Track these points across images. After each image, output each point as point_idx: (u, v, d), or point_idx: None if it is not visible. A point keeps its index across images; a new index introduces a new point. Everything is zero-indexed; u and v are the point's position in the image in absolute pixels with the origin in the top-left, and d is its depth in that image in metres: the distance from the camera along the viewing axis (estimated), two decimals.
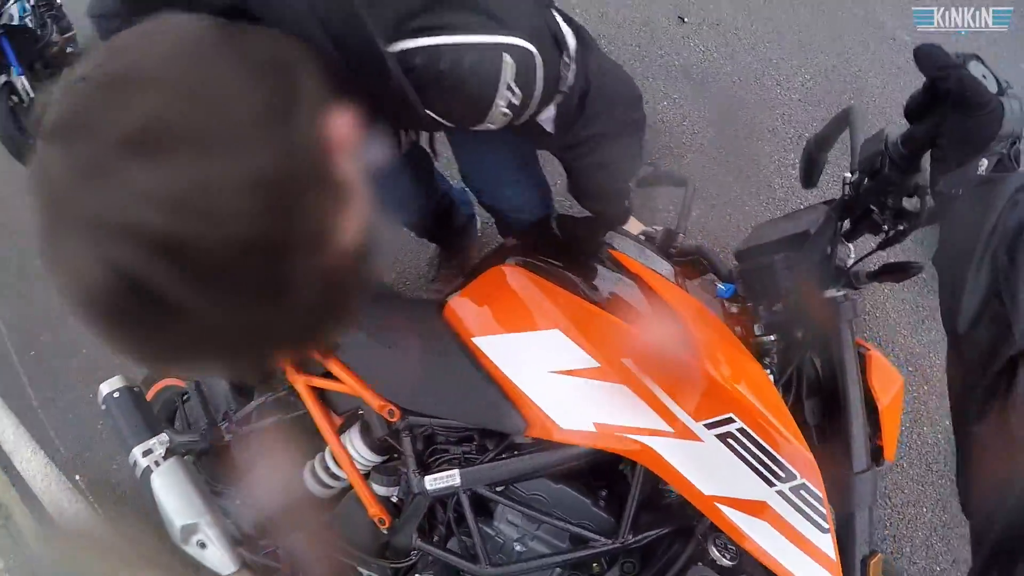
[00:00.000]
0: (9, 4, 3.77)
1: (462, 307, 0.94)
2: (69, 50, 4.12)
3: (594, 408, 0.80)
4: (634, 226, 1.23)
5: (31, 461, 2.44)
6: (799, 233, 0.90)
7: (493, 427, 0.87)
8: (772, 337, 0.90)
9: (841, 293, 0.84)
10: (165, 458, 1.01)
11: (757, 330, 0.91)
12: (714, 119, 2.33)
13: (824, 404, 0.87)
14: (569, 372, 0.81)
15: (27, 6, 3.89)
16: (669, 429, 0.77)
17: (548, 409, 0.82)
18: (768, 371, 0.88)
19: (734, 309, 0.96)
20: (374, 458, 1.00)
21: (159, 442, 1.03)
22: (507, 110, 0.67)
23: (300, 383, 0.98)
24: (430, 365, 0.92)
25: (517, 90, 0.66)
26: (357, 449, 1.00)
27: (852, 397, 0.80)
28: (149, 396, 1.33)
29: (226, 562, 0.97)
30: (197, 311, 0.40)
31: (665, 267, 0.94)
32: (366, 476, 1.00)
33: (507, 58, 0.63)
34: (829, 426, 0.85)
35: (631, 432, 0.78)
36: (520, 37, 0.64)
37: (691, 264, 1.05)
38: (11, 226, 3.76)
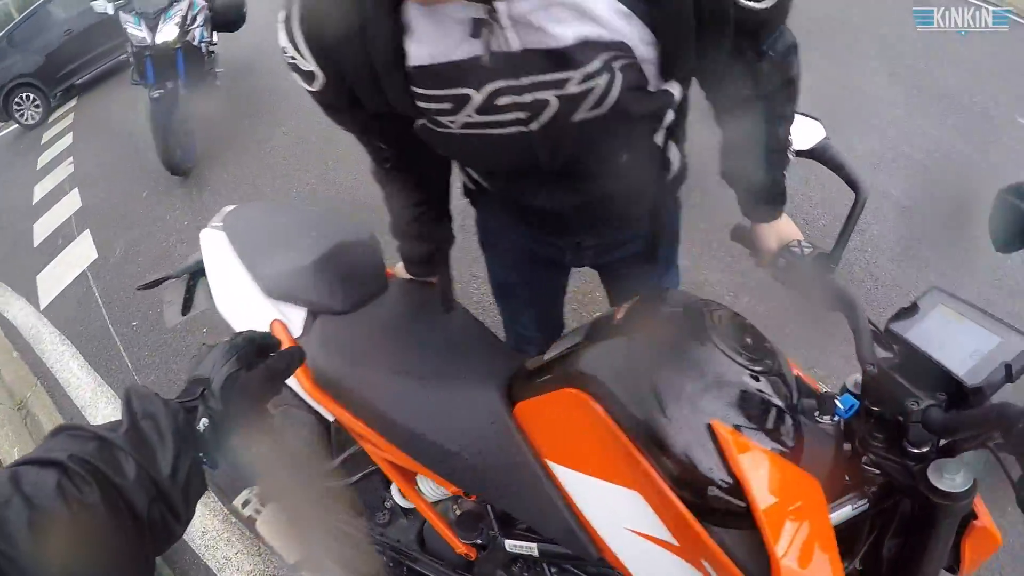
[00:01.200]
0: (195, 26, 4.38)
1: (534, 419, 0.85)
2: (217, 83, 4.94)
3: (670, 573, 0.79)
4: (785, 227, 1.00)
5: (110, 419, 2.58)
6: (961, 383, 0.72)
7: (566, 547, 0.88)
8: (879, 471, 0.80)
9: (969, 485, 0.70)
10: (264, 504, 1.10)
11: (865, 460, 0.81)
12: None
13: (906, 545, 0.82)
14: (647, 537, 0.78)
15: (205, 34, 4.55)
16: None
17: (623, 558, 0.81)
18: (865, 500, 0.81)
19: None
20: (448, 494, 1.05)
21: (254, 495, 1.13)
22: None
23: (376, 456, 0.99)
24: (502, 467, 0.88)
25: None
26: (432, 487, 1.05)
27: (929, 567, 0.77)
28: None
29: None
30: None
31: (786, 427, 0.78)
32: (451, 500, 1.07)
33: None
34: (903, 567, 0.82)
35: None
36: None
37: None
38: (127, 217, 3.97)
